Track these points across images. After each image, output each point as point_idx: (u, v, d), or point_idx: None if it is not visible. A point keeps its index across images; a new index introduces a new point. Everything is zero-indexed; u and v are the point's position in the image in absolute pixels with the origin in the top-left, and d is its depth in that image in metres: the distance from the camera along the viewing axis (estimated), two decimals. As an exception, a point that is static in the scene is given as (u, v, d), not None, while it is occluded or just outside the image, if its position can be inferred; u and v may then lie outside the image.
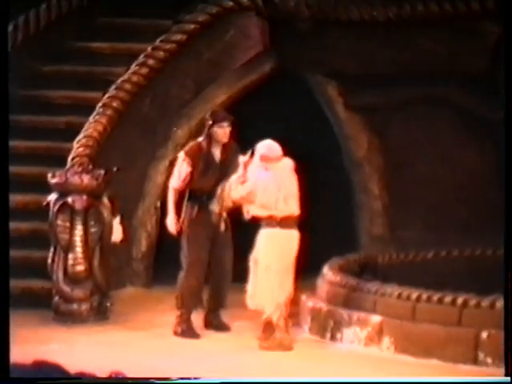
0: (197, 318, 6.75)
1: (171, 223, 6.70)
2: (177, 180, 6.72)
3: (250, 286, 6.29)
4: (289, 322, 6.31)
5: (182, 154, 6.77)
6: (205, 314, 6.80)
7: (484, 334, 6.04)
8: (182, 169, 6.70)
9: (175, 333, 6.66)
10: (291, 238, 6.27)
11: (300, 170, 6.45)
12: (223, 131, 6.69)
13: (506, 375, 4.57)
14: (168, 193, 6.78)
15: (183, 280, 6.71)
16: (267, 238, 6.25)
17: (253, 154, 6.35)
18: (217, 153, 6.73)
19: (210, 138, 6.71)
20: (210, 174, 6.68)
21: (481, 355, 6.03)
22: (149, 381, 4.79)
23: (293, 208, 6.27)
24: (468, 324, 6.11)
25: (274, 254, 6.25)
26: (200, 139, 6.77)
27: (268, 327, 6.22)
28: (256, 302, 6.24)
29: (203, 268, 6.67)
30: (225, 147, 6.73)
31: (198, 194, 6.69)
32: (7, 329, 4.39)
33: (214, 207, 6.51)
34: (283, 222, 6.21)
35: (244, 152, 6.75)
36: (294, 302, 6.43)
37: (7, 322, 4.48)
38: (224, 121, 6.72)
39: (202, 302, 6.73)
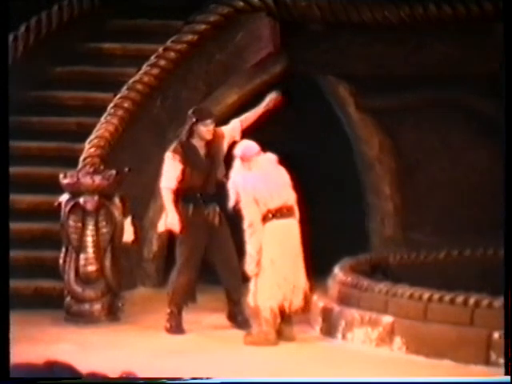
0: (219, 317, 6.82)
1: (174, 222, 6.69)
2: (170, 180, 6.69)
3: (252, 284, 6.29)
4: (291, 316, 6.30)
5: (169, 154, 6.76)
6: (228, 307, 6.80)
7: (496, 335, 6.02)
8: (174, 167, 6.68)
9: (165, 329, 6.70)
10: (289, 228, 6.30)
11: (311, 171, 6.45)
12: (207, 129, 6.70)
13: (506, 375, 4.54)
14: (163, 195, 6.76)
15: (174, 278, 6.74)
16: (266, 232, 6.28)
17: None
18: (201, 148, 6.74)
19: (193, 135, 6.71)
20: (199, 170, 6.69)
21: (493, 356, 6.01)
22: (157, 381, 4.79)
23: (285, 198, 6.31)
24: (480, 324, 6.09)
25: (274, 246, 6.28)
26: (183, 137, 6.77)
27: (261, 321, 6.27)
28: (259, 300, 6.24)
29: (195, 267, 6.69)
30: (208, 142, 6.74)
31: (190, 192, 6.69)
32: (7, 329, 4.39)
33: None
34: (278, 213, 6.26)
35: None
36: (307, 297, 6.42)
37: (7, 323, 4.47)
38: (208, 118, 6.72)
39: (194, 298, 6.75)
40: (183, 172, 6.68)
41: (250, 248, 6.32)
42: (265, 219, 6.25)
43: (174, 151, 6.74)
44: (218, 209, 6.68)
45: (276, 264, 6.28)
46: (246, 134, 7.14)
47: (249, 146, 6.39)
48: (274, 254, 6.28)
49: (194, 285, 6.74)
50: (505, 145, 5.01)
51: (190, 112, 6.84)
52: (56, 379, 4.05)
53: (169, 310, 6.75)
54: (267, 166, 6.34)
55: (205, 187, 6.68)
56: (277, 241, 6.28)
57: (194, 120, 6.72)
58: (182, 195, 6.70)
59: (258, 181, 6.30)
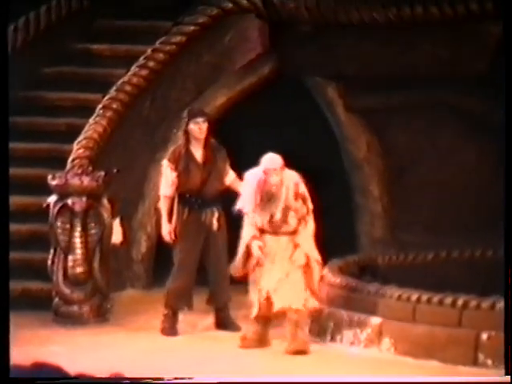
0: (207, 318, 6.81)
1: (167, 233, 6.74)
2: (165, 187, 6.76)
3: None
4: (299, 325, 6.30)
5: (165, 161, 6.83)
6: (214, 314, 6.83)
7: (484, 336, 6.04)
8: (167, 175, 6.75)
9: (160, 330, 6.72)
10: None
11: (299, 172, 6.46)
12: (198, 127, 6.69)
13: (506, 375, 4.56)
14: (160, 203, 6.81)
15: (170, 281, 6.76)
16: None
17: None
18: (198, 152, 6.74)
19: (188, 136, 6.73)
20: (194, 173, 6.70)
21: (481, 357, 6.03)
22: (148, 381, 4.79)
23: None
24: (468, 325, 6.11)
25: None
26: (180, 143, 6.81)
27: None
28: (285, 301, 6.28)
29: (191, 270, 6.71)
30: (206, 147, 6.74)
31: (186, 196, 6.72)
32: (7, 329, 4.39)
33: None
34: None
35: (230, 152, 6.82)
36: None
37: (7, 323, 4.47)
38: (198, 116, 6.73)
39: (191, 303, 6.75)
40: (177, 178, 6.69)
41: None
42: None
43: (169, 158, 6.79)
44: (217, 213, 6.70)
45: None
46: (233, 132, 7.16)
47: (273, 159, 6.34)
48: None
49: (190, 289, 6.75)
50: (505, 146, 5.02)
51: (184, 113, 6.87)
52: (56, 379, 4.05)
53: (165, 312, 6.77)
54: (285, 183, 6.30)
55: (201, 192, 6.69)
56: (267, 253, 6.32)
57: (186, 120, 6.74)
58: (180, 199, 6.71)
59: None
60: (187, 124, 6.73)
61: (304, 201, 6.30)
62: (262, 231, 6.31)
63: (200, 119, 6.70)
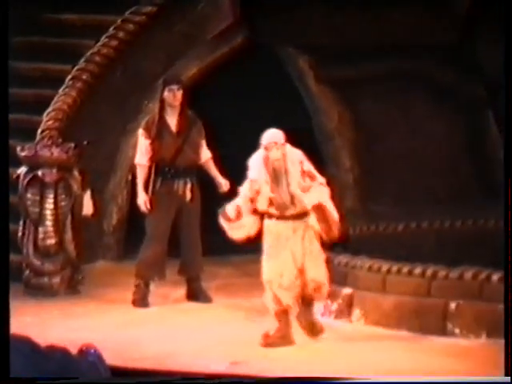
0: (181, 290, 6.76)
1: (142, 202, 6.71)
2: (139, 156, 6.74)
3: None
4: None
5: (140, 130, 6.81)
6: (186, 285, 6.82)
7: (452, 305, 6.10)
8: (141, 143, 6.72)
9: (131, 302, 6.70)
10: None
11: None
12: (173, 94, 6.66)
13: (506, 375, 4.60)
14: (136, 171, 6.78)
15: (141, 251, 6.75)
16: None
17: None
18: (172, 121, 6.72)
19: (163, 104, 6.70)
20: (167, 142, 6.68)
21: (449, 326, 6.09)
22: (152, 379, 4.81)
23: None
24: (437, 295, 6.16)
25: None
26: (155, 112, 6.78)
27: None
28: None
29: (163, 240, 6.69)
30: (180, 116, 6.71)
31: (160, 165, 6.70)
32: (7, 329, 4.36)
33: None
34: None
35: (205, 123, 6.78)
36: None
37: (7, 323, 4.45)
38: (173, 83, 6.70)
39: (163, 273, 6.73)
40: (151, 146, 6.66)
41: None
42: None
43: (143, 127, 6.77)
44: (190, 184, 6.67)
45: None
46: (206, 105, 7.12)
47: (273, 133, 5.82)
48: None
49: (162, 259, 6.72)
50: (504, 142, 5.02)
51: (160, 81, 6.84)
52: (56, 379, 4.05)
53: (136, 283, 6.74)
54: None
55: (173, 162, 6.66)
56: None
57: (162, 87, 6.71)
58: (155, 169, 6.69)
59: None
60: (162, 91, 6.70)
61: (312, 178, 5.78)
62: (269, 215, 5.73)
63: (174, 86, 6.67)
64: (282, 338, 5.81)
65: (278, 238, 5.79)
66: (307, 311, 5.91)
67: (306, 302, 5.89)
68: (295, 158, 5.83)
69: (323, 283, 5.87)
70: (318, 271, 5.85)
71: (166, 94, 6.67)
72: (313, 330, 5.93)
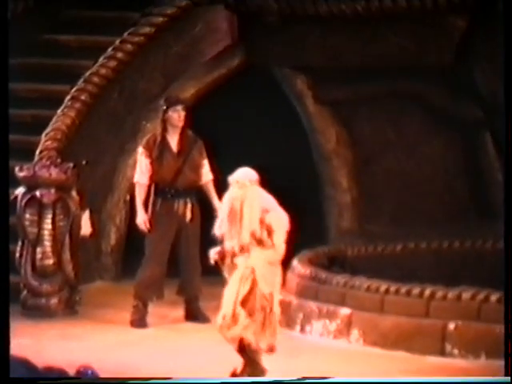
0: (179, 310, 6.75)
1: (142, 221, 6.73)
2: (139, 175, 6.76)
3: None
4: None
5: (140, 149, 6.84)
6: (184, 306, 6.82)
7: (451, 326, 6.10)
8: (141, 162, 6.75)
9: (129, 322, 6.70)
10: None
11: (268, 164, 6.40)
12: (178, 114, 6.72)
13: (506, 375, 4.60)
14: (135, 191, 6.80)
15: (139, 271, 6.77)
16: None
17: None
18: (173, 141, 6.76)
19: (165, 125, 6.75)
20: (168, 162, 6.71)
21: (448, 347, 6.09)
22: (149, 381, 4.79)
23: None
24: (435, 316, 6.16)
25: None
26: (157, 131, 6.82)
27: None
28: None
29: (162, 260, 6.70)
30: (181, 136, 6.75)
31: (160, 185, 6.72)
32: (7, 329, 4.35)
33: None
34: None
35: (205, 142, 6.78)
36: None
37: (7, 323, 4.44)
38: (178, 104, 6.77)
39: (162, 293, 6.73)
40: (151, 165, 6.69)
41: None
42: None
43: (144, 146, 6.80)
44: (190, 204, 6.68)
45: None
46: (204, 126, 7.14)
47: (242, 171, 5.43)
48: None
49: (160, 279, 6.74)
50: (505, 146, 5.05)
51: (161, 102, 6.86)
52: (57, 379, 4.03)
53: (134, 303, 6.75)
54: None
55: (174, 182, 6.69)
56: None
57: (165, 108, 6.74)
58: (154, 188, 6.71)
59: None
60: (165, 112, 6.74)
61: (269, 233, 5.26)
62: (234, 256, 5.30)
63: (179, 107, 6.73)
64: (250, 374, 5.45)
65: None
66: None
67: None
68: (256, 203, 5.30)
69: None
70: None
71: (170, 114, 6.71)
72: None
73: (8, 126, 4.89)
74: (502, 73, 5.42)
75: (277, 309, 5.54)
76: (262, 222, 5.31)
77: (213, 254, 5.49)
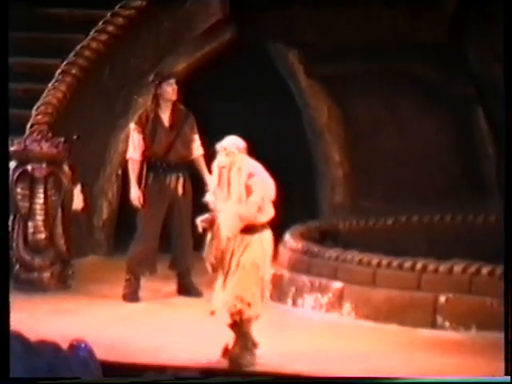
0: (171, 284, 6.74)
1: (135, 197, 6.73)
2: (132, 151, 6.76)
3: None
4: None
5: (132, 124, 6.83)
6: (177, 280, 6.82)
7: (442, 299, 6.13)
8: (133, 138, 6.74)
9: (122, 296, 6.70)
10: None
11: (261, 140, 6.39)
12: (171, 88, 6.71)
13: (506, 375, 4.62)
14: (129, 166, 6.79)
15: (132, 246, 6.77)
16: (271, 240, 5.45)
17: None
18: (165, 116, 6.75)
19: (158, 99, 6.73)
20: (160, 137, 6.70)
21: (439, 319, 6.12)
22: (154, 379, 4.80)
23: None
24: (427, 289, 6.19)
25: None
26: (148, 107, 6.81)
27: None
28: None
29: (154, 234, 6.70)
30: (173, 110, 6.73)
31: (152, 160, 6.72)
32: (7, 329, 4.35)
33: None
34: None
35: (197, 120, 6.77)
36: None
37: (7, 323, 4.44)
38: (170, 78, 6.76)
39: (154, 267, 6.74)
40: (143, 141, 6.69)
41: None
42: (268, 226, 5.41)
43: (136, 122, 6.79)
44: (182, 179, 6.68)
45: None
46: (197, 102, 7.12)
47: (229, 140, 5.38)
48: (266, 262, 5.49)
49: (153, 253, 6.74)
50: (505, 143, 5.04)
51: (152, 77, 6.84)
52: (57, 379, 4.04)
53: (127, 277, 6.75)
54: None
55: (166, 156, 6.68)
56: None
57: (157, 82, 6.73)
58: (147, 164, 6.70)
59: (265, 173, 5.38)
60: (158, 86, 6.72)
61: (248, 194, 5.23)
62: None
63: (172, 80, 6.72)
64: (242, 348, 5.40)
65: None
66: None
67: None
68: (245, 168, 5.29)
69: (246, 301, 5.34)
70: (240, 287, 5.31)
71: (163, 88, 6.69)
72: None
73: (8, 127, 4.83)
74: (495, 50, 5.39)
75: (267, 276, 5.53)
76: (247, 186, 5.31)
77: (201, 221, 5.49)
